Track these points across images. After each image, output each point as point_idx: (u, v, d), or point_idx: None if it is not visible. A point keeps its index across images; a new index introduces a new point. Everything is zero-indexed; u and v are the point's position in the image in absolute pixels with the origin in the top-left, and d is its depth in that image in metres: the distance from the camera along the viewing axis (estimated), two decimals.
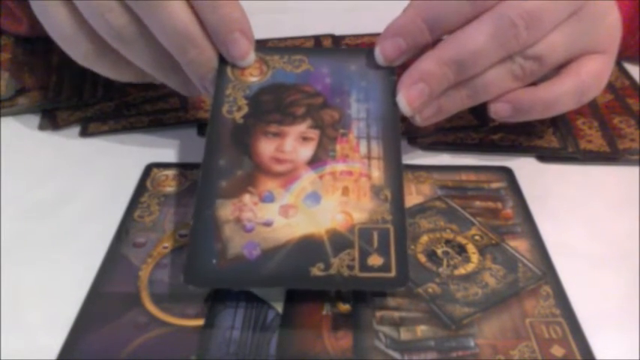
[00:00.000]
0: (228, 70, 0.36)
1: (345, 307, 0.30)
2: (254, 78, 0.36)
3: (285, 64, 0.37)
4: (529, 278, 0.31)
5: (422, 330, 0.29)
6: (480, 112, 0.40)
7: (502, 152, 0.40)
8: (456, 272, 0.32)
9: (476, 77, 0.35)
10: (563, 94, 0.36)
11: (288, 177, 0.32)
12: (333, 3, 0.57)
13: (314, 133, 0.34)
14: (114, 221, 0.35)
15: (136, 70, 0.38)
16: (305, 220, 0.31)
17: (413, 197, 0.36)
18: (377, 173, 0.33)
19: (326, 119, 0.35)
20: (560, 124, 0.41)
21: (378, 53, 0.36)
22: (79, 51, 0.37)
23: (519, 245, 0.33)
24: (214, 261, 0.29)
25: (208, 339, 0.29)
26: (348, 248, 0.30)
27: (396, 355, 0.28)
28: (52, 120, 0.43)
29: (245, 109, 0.35)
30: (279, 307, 0.30)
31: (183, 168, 0.39)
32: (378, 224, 0.31)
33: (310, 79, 0.37)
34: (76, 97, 0.44)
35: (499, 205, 0.36)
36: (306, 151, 0.34)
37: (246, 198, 0.32)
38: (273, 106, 0.35)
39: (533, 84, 0.37)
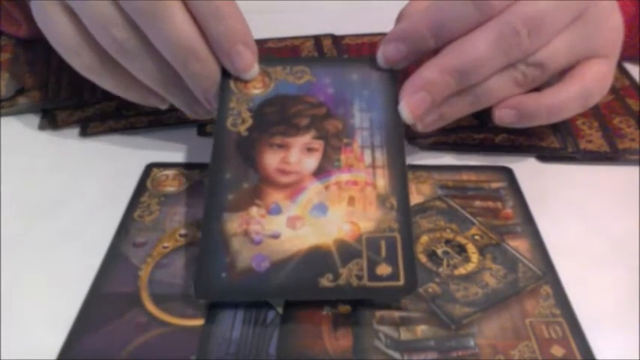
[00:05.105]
0: (231, 83, 0.36)
1: (345, 307, 0.30)
2: (257, 90, 0.36)
3: (287, 76, 0.37)
4: (529, 278, 0.31)
5: (422, 330, 0.29)
6: (479, 112, 0.40)
7: (502, 152, 0.40)
8: (456, 272, 0.32)
9: (478, 84, 0.35)
10: (568, 100, 0.36)
11: (294, 188, 0.32)
12: (333, 3, 0.57)
13: (318, 144, 0.34)
14: (114, 221, 0.35)
15: (139, 85, 0.37)
16: (312, 231, 0.31)
17: (413, 197, 0.36)
18: (382, 182, 0.33)
19: (330, 129, 0.35)
20: (560, 124, 0.41)
21: (380, 56, 0.36)
22: (80, 62, 0.37)
23: (519, 245, 0.33)
24: (224, 274, 0.30)
25: (208, 339, 0.29)
26: (356, 258, 0.30)
27: (396, 355, 0.28)
28: (52, 120, 0.43)
29: (249, 122, 0.35)
30: (279, 308, 0.30)
31: (183, 168, 0.39)
32: (385, 233, 0.31)
33: (313, 89, 0.36)
34: (76, 97, 0.44)
35: (499, 205, 0.36)
36: (311, 161, 0.33)
37: (254, 211, 0.32)
38: (277, 117, 0.35)
39: (537, 89, 0.36)
